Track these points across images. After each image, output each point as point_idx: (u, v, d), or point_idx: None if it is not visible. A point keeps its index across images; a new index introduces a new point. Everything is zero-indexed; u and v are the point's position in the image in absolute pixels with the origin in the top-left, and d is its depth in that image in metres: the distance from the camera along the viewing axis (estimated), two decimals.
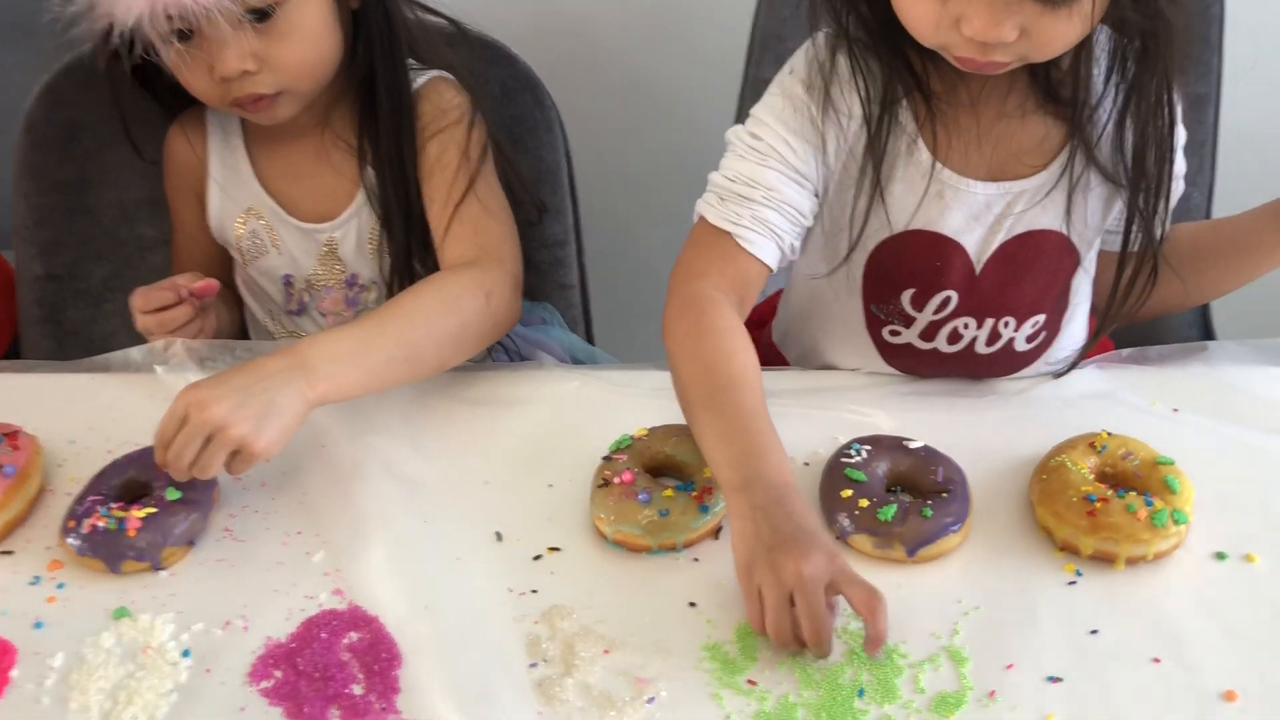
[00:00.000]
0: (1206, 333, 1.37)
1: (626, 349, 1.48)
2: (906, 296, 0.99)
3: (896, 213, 0.96)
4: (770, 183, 0.96)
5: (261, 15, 1.01)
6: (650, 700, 0.78)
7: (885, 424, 0.97)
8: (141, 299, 1.08)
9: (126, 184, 1.28)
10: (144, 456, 0.93)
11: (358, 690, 0.79)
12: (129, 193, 1.28)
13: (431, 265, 1.16)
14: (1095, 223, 0.97)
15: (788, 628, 0.78)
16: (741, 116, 1.39)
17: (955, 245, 0.96)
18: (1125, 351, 1.05)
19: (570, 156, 1.31)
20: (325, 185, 1.16)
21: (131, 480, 0.92)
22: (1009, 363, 1.01)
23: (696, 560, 0.87)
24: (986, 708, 0.76)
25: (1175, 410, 0.99)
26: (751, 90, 1.36)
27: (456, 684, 0.79)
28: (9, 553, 0.90)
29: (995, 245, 0.96)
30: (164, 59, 1.04)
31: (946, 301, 0.98)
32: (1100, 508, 0.84)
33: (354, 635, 0.83)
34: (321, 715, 0.77)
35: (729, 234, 0.97)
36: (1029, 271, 0.97)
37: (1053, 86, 0.93)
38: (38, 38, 1.53)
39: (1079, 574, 0.85)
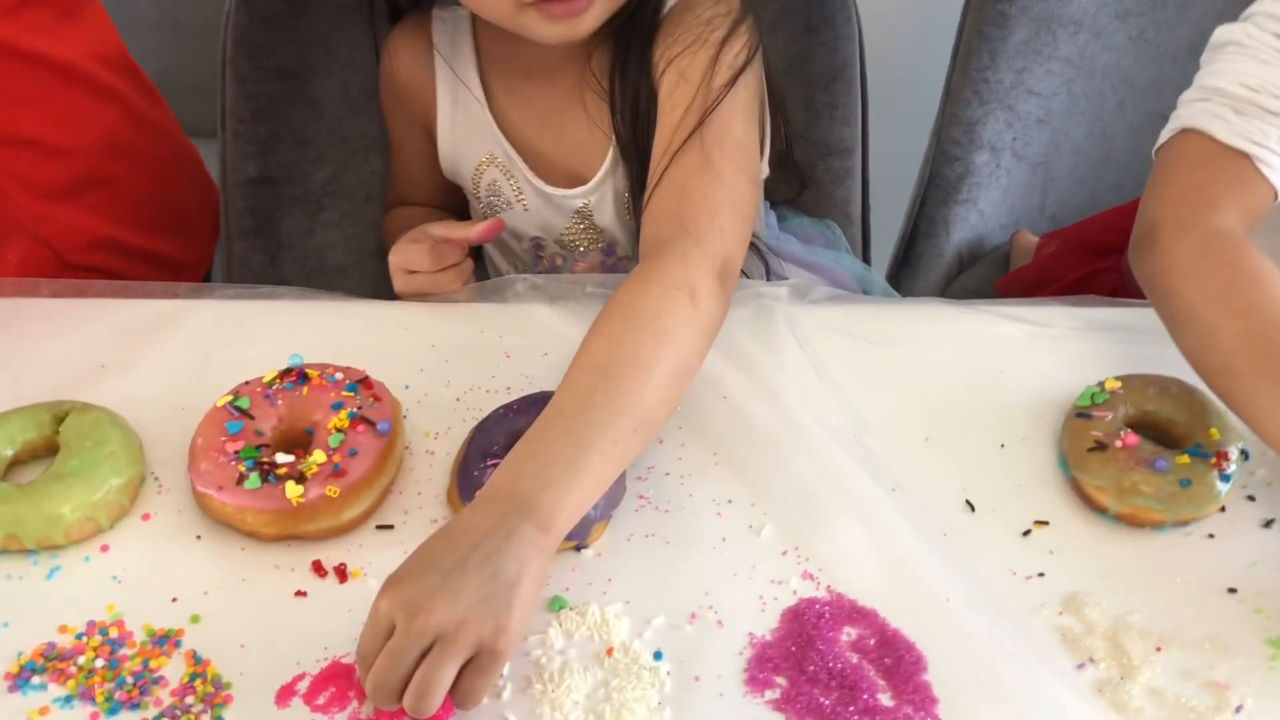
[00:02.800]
0: None
1: (900, 280, 1.35)
2: None
3: None
4: None
5: None
6: (1238, 709, 0.66)
7: None
8: (431, 257, 0.89)
9: (357, 70, 1.09)
10: (533, 409, 0.76)
11: (886, 700, 0.66)
12: (357, 80, 1.10)
13: None
14: None
15: None
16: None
17: None
18: None
19: (864, 51, 1.16)
20: (578, 138, 0.95)
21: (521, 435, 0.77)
22: None
23: (1212, 536, 0.75)
24: None
25: None
26: None
27: (1004, 690, 0.66)
28: (389, 527, 0.75)
29: None
30: None
31: None
32: None
33: (852, 631, 0.70)
34: None
35: (1246, 155, 0.80)
36: None
37: None
38: None
39: None
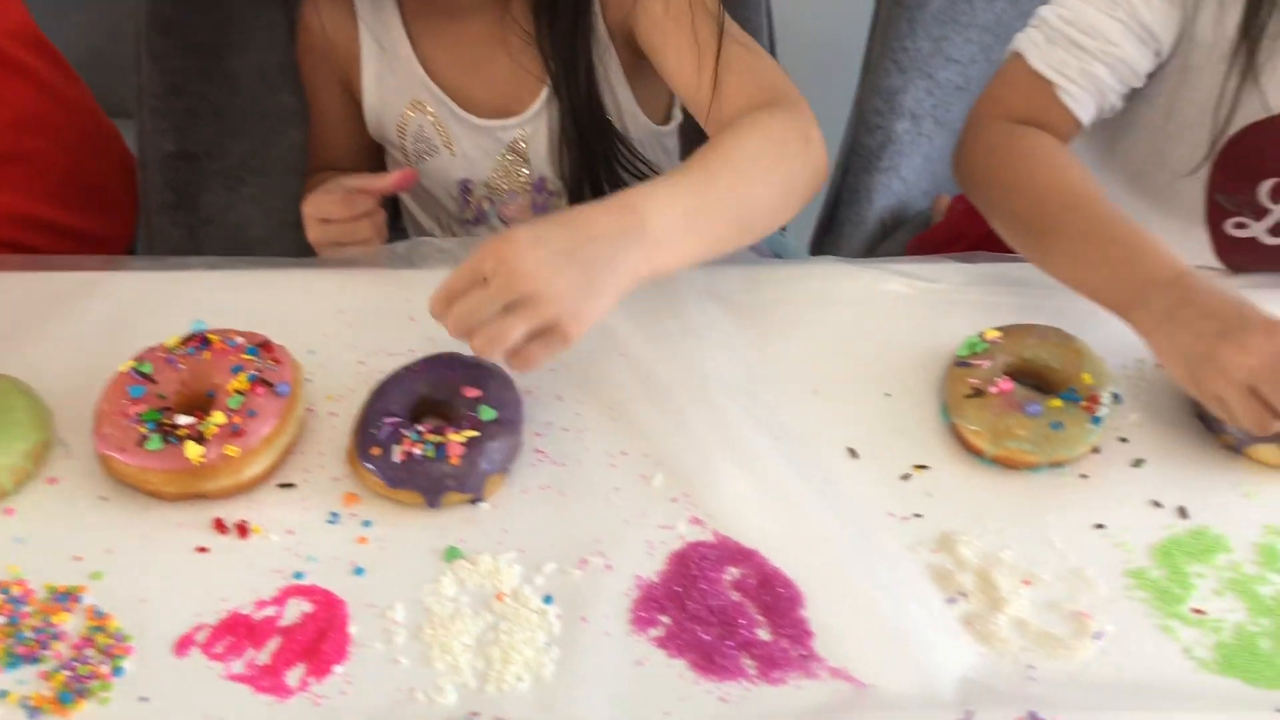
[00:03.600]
0: None
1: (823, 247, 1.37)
2: (1265, 187, 0.89)
3: (1275, 94, 0.85)
4: (1113, 36, 0.87)
5: None
6: (1098, 636, 0.70)
7: None
8: (343, 205, 0.91)
9: (272, 46, 1.10)
10: (432, 370, 0.79)
11: (764, 635, 0.69)
12: (273, 56, 1.11)
13: (620, 169, 1.00)
14: None
15: (1267, 420, 0.71)
16: None
17: None
18: None
19: (773, 19, 1.18)
20: (504, 75, 0.98)
21: (423, 398, 0.79)
22: None
23: (1084, 477, 0.78)
24: None
25: None
26: None
27: (876, 623, 0.69)
28: (290, 485, 0.77)
29: None
30: None
31: None
32: None
33: (735, 571, 0.73)
34: (735, 666, 0.68)
35: (1050, 82, 0.89)
36: None
37: None
38: None
39: None
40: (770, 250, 1.16)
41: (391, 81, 1.01)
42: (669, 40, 0.92)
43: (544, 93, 0.98)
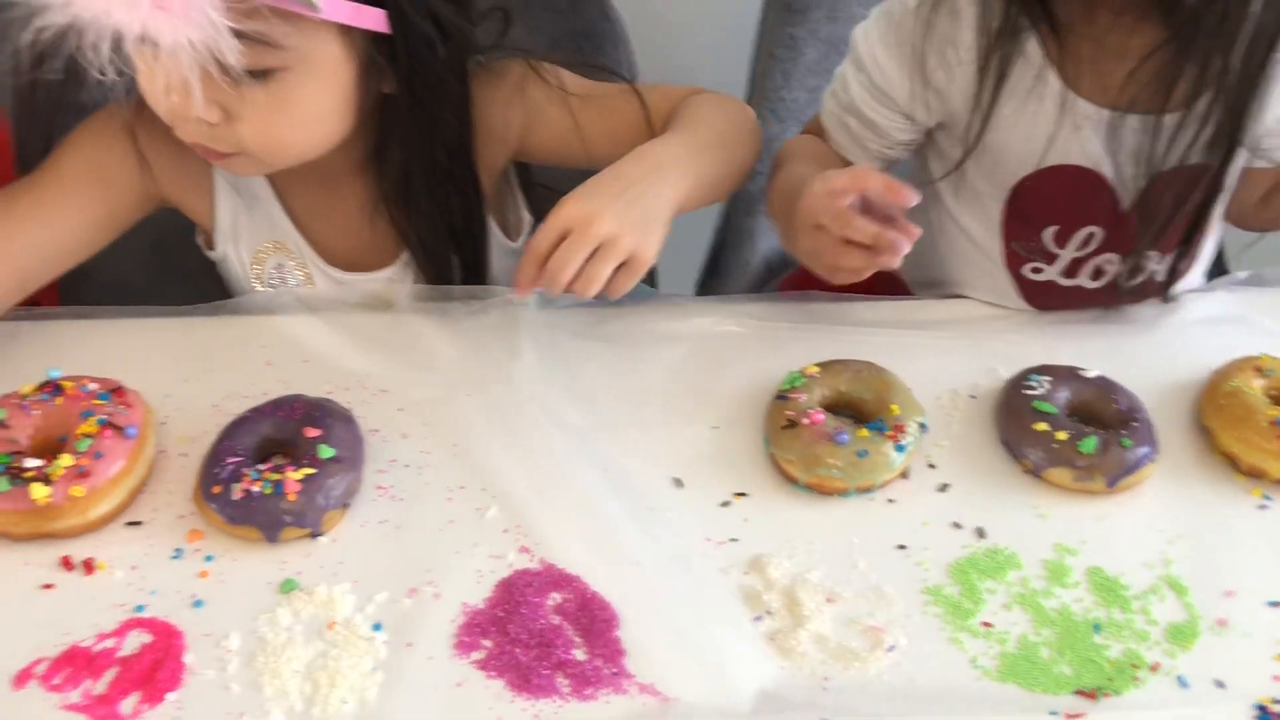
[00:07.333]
0: None
1: (680, 281, 1.43)
2: (1049, 234, 0.96)
3: (1025, 147, 0.92)
4: (853, 95, 0.98)
5: (256, 73, 0.81)
6: (891, 649, 0.75)
7: (1037, 354, 0.95)
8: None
9: None
10: (276, 410, 0.84)
11: (580, 655, 0.74)
12: None
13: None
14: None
15: (842, 249, 0.84)
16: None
17: (1099, 179, 0.93)
18: (1243, 274, 1.06)
19: (635, 75, 1.24)
20: (365, 238, 0.99)
21: (267, 438, 0.83)
22: (1147, 293, 0.99)
23: (892, 501, 0.84)
24: (1221, 636, 0.76)
25: None
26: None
27: (684, 641, 0.74)
28: (138, 523, 0.80)
29: (1144, 180, 0.92)
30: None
31: (1090, 238, 0.95)
32: None
33: (557, 596, 0.77)
34: (550, 685, 0.72)
35: (833, 138, 1.01)
36: (1176, 206, 0.94)
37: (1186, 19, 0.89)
38: None
39: (1268, 498, 0.85)
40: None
41: (250, 220, 1.01)
42: (586, 127, 0.98)
43: (403, 257, 1.01)
